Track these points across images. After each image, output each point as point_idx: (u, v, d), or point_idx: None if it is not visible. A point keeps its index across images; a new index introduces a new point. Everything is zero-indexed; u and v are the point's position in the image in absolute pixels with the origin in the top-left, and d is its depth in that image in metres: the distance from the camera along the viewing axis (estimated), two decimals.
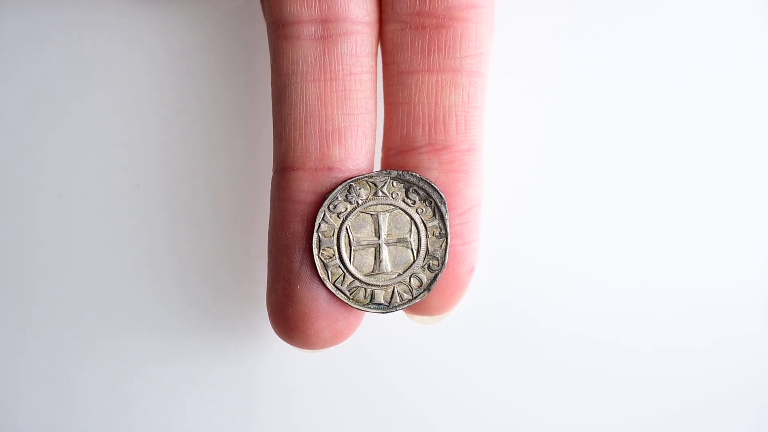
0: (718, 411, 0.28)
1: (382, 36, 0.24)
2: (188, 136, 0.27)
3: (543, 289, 0.28)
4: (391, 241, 0.24)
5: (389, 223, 0.24)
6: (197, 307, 0.28)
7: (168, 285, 0.28)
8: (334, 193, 0.23)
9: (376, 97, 0.24)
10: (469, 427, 0.28)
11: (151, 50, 0.27)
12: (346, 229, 0.23)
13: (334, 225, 0.23)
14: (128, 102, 0.27)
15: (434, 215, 0.23)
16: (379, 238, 0.24)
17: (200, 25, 0.27)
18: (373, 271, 0.24)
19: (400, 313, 0.25)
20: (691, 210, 0.28)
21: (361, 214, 0.23)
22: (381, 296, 0.24)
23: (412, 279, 0.24)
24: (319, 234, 0.23)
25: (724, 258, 0.28)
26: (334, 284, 0.23)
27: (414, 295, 0.24)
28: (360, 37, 0.23)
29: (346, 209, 0.23)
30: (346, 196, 0.23)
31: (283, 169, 0.23)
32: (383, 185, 0.23)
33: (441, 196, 0.23)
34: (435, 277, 0.23)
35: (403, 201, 0.23)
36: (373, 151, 0.24)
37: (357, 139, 0.23)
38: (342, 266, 0.23)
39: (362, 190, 0.23)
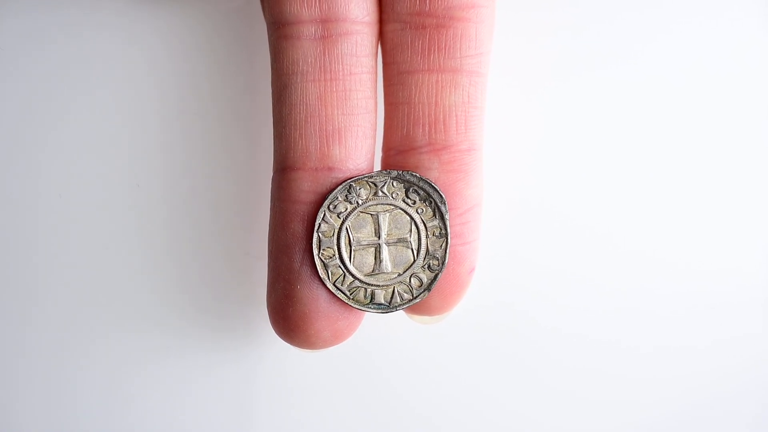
0: (718, 411, 0.28)
1: (382, 36, 0.24)
2: (188, 136, 0.27)
3: (543, 289, 0.28)
4: (391, 241, 0.24)
5: (389, 223, 0.24)
6: (197, 307, 0.28)
7: (168, 285, 0.28)
8: (334, 193, 0.23)
9: (376, 97, 0.24)
10: (469, 427, 0.28)
11: (151, 50, 0.27)
12: (347, 229, 0.23)
13: (334, 225, 0.23)
14: (128, 102, 0.27)
15: (434, 215, 0.23)
16: (379, 238, 0.24)
17: (200, 25, 0.27)
18: (373, 271, 0.24)
19: (400, 313, 0.25)
20: (691, 210, 0.28)
21: (361, 214, 0.23)
22: (381, 296, 0.24)
23: (412, 279, 0.24)
24: (320, 234, 0.23)
25: (724, 258, 0.28)
26: (334, 284, 0.23)
27: (414, 295, 0.24)
28: (360, 37, 0.23)
29: (347, 209, 0.23)
30: (346, 196, 0.23)
31: (284, 169, 0.23)
32: (383, 185, 0.23)
33: (441, 196, 0.23)
34: (435, 277, 0.23)
35: (403, 201, 0.23)
36: (374, 151, 0.24)
37: (357, 139, 0.23)
38: (342, 266, 0.23)
39: (362, 190, 0.23)
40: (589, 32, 0.27)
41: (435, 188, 0.23)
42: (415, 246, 0.24)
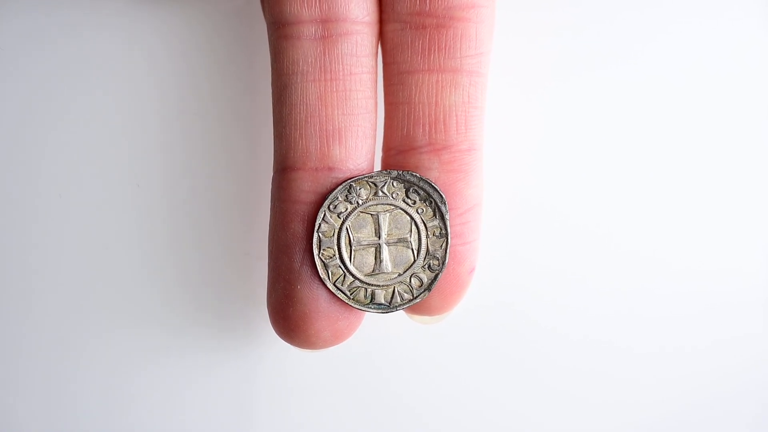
0: (718, 411, 0.28)
1: (382, 36, 0.24)
2: (188, 136, 0.27)
3: (543, 289, 0.28)
4: (391, 241, 0.24)
5: (389, 223, 0.24)
6: (197, 307, 0.28)
7: (168, 285, 0.28)
8: (334, 193, 0.23)
9: (376, 97, 0.24)
10: (469, 427, 0.28)
11: (151, 50, 0.27)
12: (347, 229, 0.23)
13: (334, 225, 0.23)
14: (128, 102, 0.27)
15: (434, 215, 0.23)
16: (379, 238, 0.24)
17: (200, 25, 0.27)
18: (373, 271, 0.24)
19: (400, 313, 0.25)
20: (691, 210, 0.28)
21: (361, 214, 0.23)
22: (381, 296, 0.24)
23: (412, 279, 0.24)
24: (320, 234, 0.23)
25: (724, 258, 0.28)
26: (334, 284, 0.23)
27: (414, 295, 0.24)
28: (360, 37, 0.23)
29: (347, 209, 0.23)
30: (346, 196, 0.23)
31: (284, 169, 0.23)
32: (383, 185, 0.23)
33: (441, 195, 0.23)
34: (435, 276, 0.23)
35: (404, 201, 0.23)
36: (374, 151, 0.24)
37: (357, 139, 0.23)
38: (342, 266, 0.23)
39: (362, 190, 0.23)
40: (589, 32, 0.27)
41: (435, 188, 0.23)
42: (415, 246, 0.24)
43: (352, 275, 0.23)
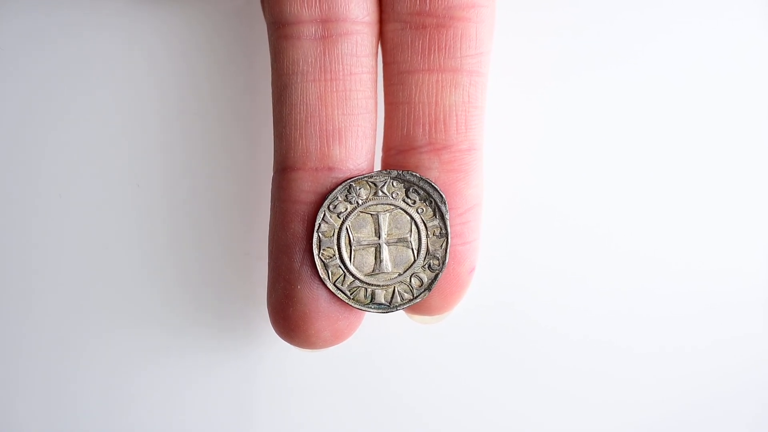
0: (718, 411, 0.28)
1: (382, 36, 0.24)
2: (188, 136, 0.27)
3: (543, 289, 0.28)
4: (391, 240, 0.24)
5: (389, 223, 0.24)
6: (197, 307, 0.28)
7: (168, 285, 0.28)
8: (334, 193, 0.23)
9: (376, 97, 0.24)
10: (469, 427, 0.28)
11: (151, 50, 0.27)
12: (347, 229, 0.23)
13: (334, 225, 0.23)
14: (128, 102, 0.27)
15: (434, 215, 0.23)
16: (379, 237, 0.24)
17: (200, 25, 0.27)
18: (373, 270, 0.24)
19: (400, 313, 0.25)
20: (691, 210, 0.28)
21: (361, 214, 0.23)
22: (381, 296, 0.24)
23: (412, 279, 0.24)
24: (320, 234, 0.23)
25: (724, 258, 0.28)
26: (334, 284, 0.23)
27: (415, 295, 0.24)
28: (360, 37, 0.23)
29: (347, 209, 0.23)
30: (346, 196, 0.23)
31: (284, 169, 0.23)
32: (383, 185, 0.23)
33: (441, 195, 0.23)
34: (436, 276, 0.23)
35: (404, 201, 0.23)
36: (374, 151, 0.24)
37: (357, 139, 0.23)
38: (342, 266, 0.23)
39: (362, 190, 0.23)
40: (590, 32, 0.27)
41: (435, 188, 0.23)
42: (415, 246, 0.24)
43: (352, 275, 0.23)
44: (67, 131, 0.27)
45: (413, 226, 0.24)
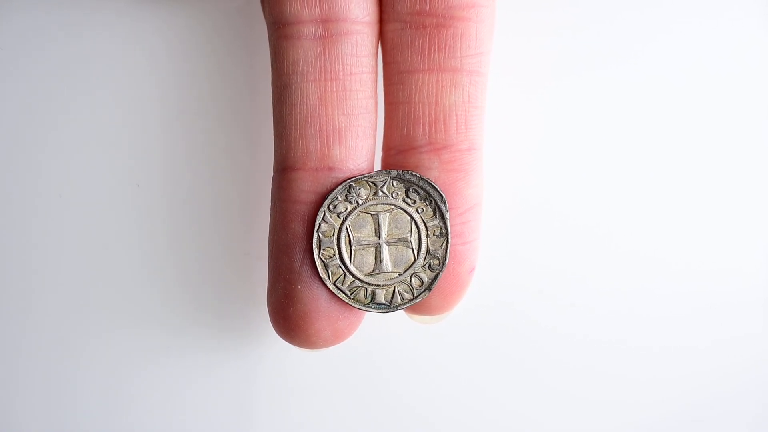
0: (718, 411, 0.28)
1: (382, 35, 0.24)
2: (188, 136, 0.27)
3: (543, 289, 0.28)
4: (391, 240, 0.24)
5: (389, 223, 0.24)
6: (197, 307, 0.28)
7: (168, 285, 0.28)
8: (334, 193, 0.23)
9: (376, 97, 0.24)
10: (469, 427, 0.28)
11: (151, 50, 0.27)
12: (347, 229, 0.23)
13: (334, 225, 0.23)
14: (128, 102, 0.27)
15: (434, 215, 0.23)
16: (379, 237, 0.24)
17: (200, 25, 0.27)
18: (373, 270, 0.24)
19: (400, 313, 0.25)
20: (692, 210, 0.28)
21: (361, 213, 0.23)
22: (382, 296, 0.24)
23: (412, 278, 0.24)
24: (320, 234, 0.23)
25: (724, 258, 0.28)
26: (334, 284, 0.23)
27: (415, 295, 0.24)
28: (360, 37, 0.23)
29: (347, 209, 0.23)
30: (346, 196, 0.23)
31: (284, 169, 0.23)
32: (383, 185, 0.23)
33: (441, 195, 0.23)
34: (436, 276, 0.23)
35: (404, 200, 0.23)
36: (374, 151, 0.24)
37: (357, 139, 0.23)
38: (342, 266, 0.23)
39: (362, 189, 0.23)
40: (590, 32, 0.27)
41: (435, 188, 0.23)
42: (415, 246, 0.24)
43: (353, 275, 0.23)
44: (67, 131, 0.27)
45: (413, 226, 0.24)
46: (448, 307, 0.24)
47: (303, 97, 0.23)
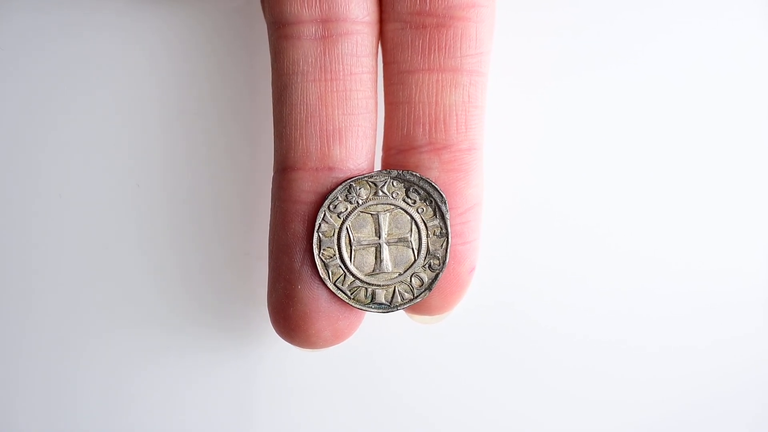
0: (718, 411, 0.28)
1: (382, 35, 0.24)
2: (188, 136, 0.27)
3: (543, 289, 0.28)
4: (391, 240, 0.24)
5: (390, 223, 0.24)
6: (197, 307, 0.28)
7: (168, 285, 0.28)
8: (334, 193, 0.23)
9: (376, 97, 0.24)
10: (469, 427, 0.28)
11: (151, 50, 0.27)
12: (347, 229, 0.23)
13: (334, 225, 0.23)
14: (128, 102, 0.27)
15: (435, 215, 0.23)
16: (379, 237, 0.24)
17: (200, 25, 0.27)
18: (373, 270, 0.24)
19: (400, 313, 0.25)
20: (691, 210, 0.28)
21: (361, 213, 0.23)
22: (382, 296, 0.24)
23: (413, 278, 0.24)
24: (320, 234, 0.23)
25: (724, 258, 0.28)
26: (334, 284, 0.23)
27: (415, 295, 0.24)
28: (360, 36, 0.23)
29: (347, 209, 0.23)
30: (346, 196, 0.23)
31: (284, 169, 0.23)
32: (383, 185, 0.23)
33: (441, 195, 0.23)
34: (436, 276, 0.23)
35: (404, 200, 0.23)
36: (374, 151, 0.24)
37: (357, 139, 0.23)
38: (343, 266, 0.23)
39: (362, 189, 0.23)
40: (590, 32, 0.27)
41: (435, 188, 0.23)
42: (415, 245, 0.24)
43: (353, 275, 0.23)
44: (67, 131, 0.27)
45: (413, 226, 0.24)
46: (448, 307, 0.24)
47: (303, 97, 0.23)
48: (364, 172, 0.23)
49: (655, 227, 0.28)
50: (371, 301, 0.24)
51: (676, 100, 0.28)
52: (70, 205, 0.27)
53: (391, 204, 0.23)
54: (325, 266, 0.23)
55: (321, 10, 0.23)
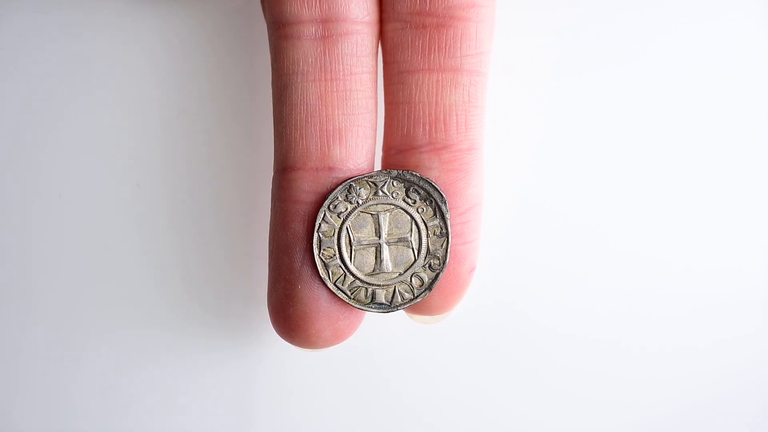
0: (718, 411, 0.28)
1: (382, 35, 0.24)
2: (188, 136, 0.27)
3: (543, 289, 0.28)
4: (391, 240, 0.24)
5: (390, 223, 0.24)
6: (197, 306, 0.28)
7: (168, 285, 0.28)
8: (334, 193, 0.23)
9: (376, 97, 0.24)
10: (469, 427, 0.28)
11: (151, 50, 0.27)
12: (347, 228, 0.23)
13: (334, 225, 0.23)
14: (128, 102, 0.27)
15: (435, 214, 0.23)
16: (379, 237, 0.24)
17: (200, 25, 0.27)
18: (374, 270, 0.24)
19: (400, 313, 0.25)
20: (691, 210, 0.28)
21: (361, 213, 0.23)
22: (382, 296, 0.24)
23: (413, 278, 0.24)
24: (320, 234, 0.23)
25: (724, 258, 0.28)
26: (335, 284, 0.23)
27: (415, 295, 0.24)
28: (360, 36, 0.23)
29: (347, 209, 0.23)
30: (346, 195, 0.23)
31: (284, 169, 0.23)
32: (383, 185, 0.23)
33: (441, 195, 0.23)
34: (436, 276, 0.23)
35: (404, 200, 0.23)
36: (374, 151, 0.24)
37: (358, 139, 0.23)
38: (343, 266, 0.23)
39: (362, 189, 0.23)
40: (590, 32, 0.27)
41: (435, 187, 0.23)
42: (415, 245, 0.24)
43: (353, 275, 0.23)
44: (67, 131, 0.27)
45: (413, 226, 0.24)
46: (448, 307, 0.24)
47: (303, 97, 0.23)
48: (364, 172, 0.23)
49: (655, 227, 0.28)
50: (371, 301, 0.24)
51: (676, 100, 0.28)
52: (70, 205, 0.27)
53: (391, 204, 0.23)
54: (325, 266, 0.23)
55: (321, 10, 0.23)
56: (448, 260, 0.23)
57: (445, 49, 0.23)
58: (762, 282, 0.28)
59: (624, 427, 0.28)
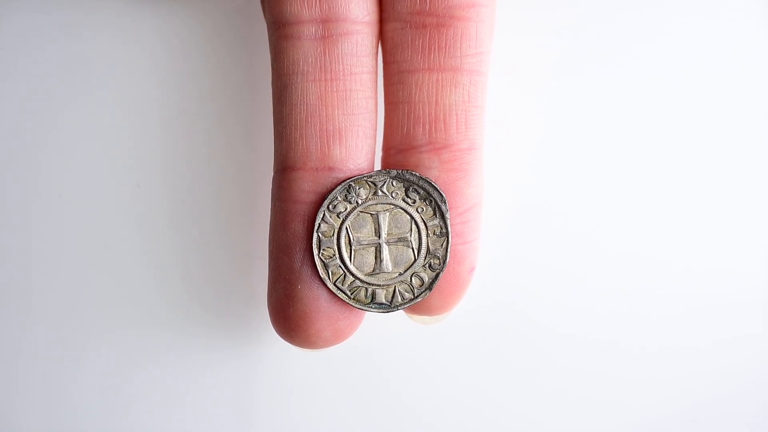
0: (718, 411, 0.28)
1: (382, 35, 0.24)
2: (188, 136, 0.27)
3: (543, 289, 0.28)
4: (391, 240, 0.24)
5: (389, 223, 0.24)
6: (197, 306, 0.28)
7: (168, 285, 0.28)
8: (334, 193, 0.23)
9: (376, 97, 0.24)
10: (469, 427, 0.28)
11: (151, 50, 0.27)
12: (346, 228, 0.23)
13: (334, 225, 0.23)
14: (128, 102, 0.27)
15: (435, 214, 0.23)
16: (379, 237, 0.24)
17: (200, 25, 0.27)
18: (373, 270, 0.24)
19: (400, 313, 0.25)
20: (691, 210, 0.28)
21: (361, 213, 0.23)
22: (382, 296, 0.24)
23: (413, 278, 0.24)
24: (320, 234, 0.23)
25: (724, 258, 0.28)
26: (334, 284, 0.23)
27: (415, 295, 0.24)
28: (360, 36, 0.23)
29: (346, 209, 0.23)
30: (345, 195, 0.23)
31: (284, 169, 0.23)
32: (383, 185, 0.23)
33: (441, 195, 0.23)
34: (436, 276, 0.23)
35: (403, 200, 0.23)
36: (374, 151, 0.24)
37: (357, 139, 0.23)
38: (342, 266, 0.23)
39: (362, 189, 0.23)
40: (590, 32, 0.27)
41: (435, 187, 0.23)
42: (415, 245, 0.24)
43: (353, 275, 0.23)
44: (67, 131, 0.27)
45: (413, 226, 0.23)
46: (448, 307, 0.24)
47: (303, 97, 0.23)
48: (364, 172, 0.23)
49: (655, 227, 0.28)
50: (371, 301, 0.24)
51: (676, 100, 0.28)
52: (70, 205, 0.27)
53: (390, 204, 0.23)
54: (325, 266, 0.23)
55: (321, 10, 0.23)
56: (448, 260, 0.23)
57: (445, 48, 0.23)
58: (762, 282, 0.28)
59: (624, 427, 0.28)
